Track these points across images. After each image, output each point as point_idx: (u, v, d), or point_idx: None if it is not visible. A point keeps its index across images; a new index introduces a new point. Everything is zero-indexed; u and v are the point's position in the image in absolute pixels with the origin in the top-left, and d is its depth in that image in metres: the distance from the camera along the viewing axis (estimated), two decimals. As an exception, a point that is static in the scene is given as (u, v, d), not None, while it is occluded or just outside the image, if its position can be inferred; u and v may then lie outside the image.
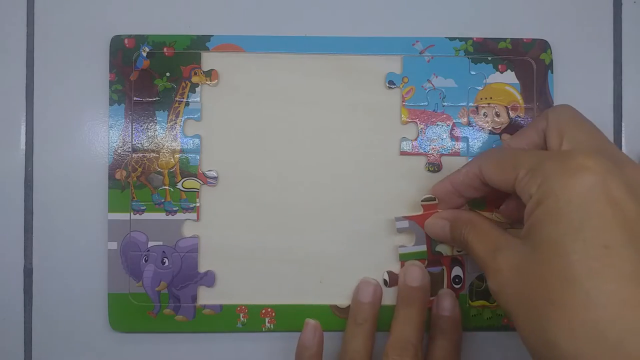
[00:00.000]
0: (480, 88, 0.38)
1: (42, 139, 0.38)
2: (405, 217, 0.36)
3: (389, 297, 0.37)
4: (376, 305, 0.36)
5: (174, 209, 0.37)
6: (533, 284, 0.26)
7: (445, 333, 0.35)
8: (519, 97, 0.38)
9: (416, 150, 0.38)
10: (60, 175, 0.38)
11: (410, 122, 0.38)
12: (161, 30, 0.37)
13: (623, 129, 0.39)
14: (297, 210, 0.37)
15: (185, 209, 0.37)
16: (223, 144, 0.37)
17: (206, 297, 0.37)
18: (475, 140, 0.37)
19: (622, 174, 0.26)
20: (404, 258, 0.37)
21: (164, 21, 0.38)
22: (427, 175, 0.37)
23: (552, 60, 0.38)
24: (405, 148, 0.37)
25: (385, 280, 0.37)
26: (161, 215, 0.37)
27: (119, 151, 0.37)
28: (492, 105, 0.38)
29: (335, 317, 0.37)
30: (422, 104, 0.38)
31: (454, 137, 0.37)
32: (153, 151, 0.37)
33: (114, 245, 0.37)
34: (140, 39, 0.37)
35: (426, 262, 0.37)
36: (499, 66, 0.38)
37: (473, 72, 0.38)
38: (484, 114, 0.38)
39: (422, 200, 0.35)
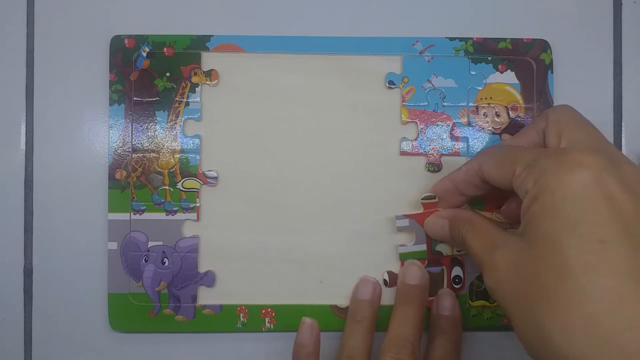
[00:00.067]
0: (480, 88, 0.38)
1: (42, 139, 0.38)
2: (406, 215, 0.36)
3: (389, 297, 0.37)
4: (375, 304, 0.36)
5: (174, 209, 0.37)
6: (529, 280, 0.26)
7: (446, 333, 0.35)
8: (519, 97, 0.38)
9: (416, 150, 0.38)
10: (60, 175, 0.38)
11: (410, 122, 0.38)
12: (161, 30, 0.37)
13: (623, 129, 0.39)
14: (297, 210, 0.37)
15: (185, 209, 0.37)
16: (223, 144, 0.37)
17: (206, 297, 0.37)
18: (475, 140, 0.37)
19: (618, 171, 0.26)
20: (404, 257, 0.37)
21: (164, 21, 0.38)
22: (427, 175, 0.37)
23: (552, 60, 0.38)
24: (405, 148, 0.37)
25: (385, 280, 0.37)
26: (161, 215, 0.37)
27: (119, 151, 0.37)
28: (492, 105, 0.38)
29: (335, 317, 0.37)
30: (422, 104, 0.38)
31: (454, 137, 0.37)
32: (153, 151, 0.37)
33: (114, 245, 0.37)
34: (140, 39, 0.37)
35: (426, 261, 0.37)
36: (499, 66, 0.38)
37: (473, 72, 0.38)
38: (484, 114, 0.38)
39: (422, 199, 0.35)
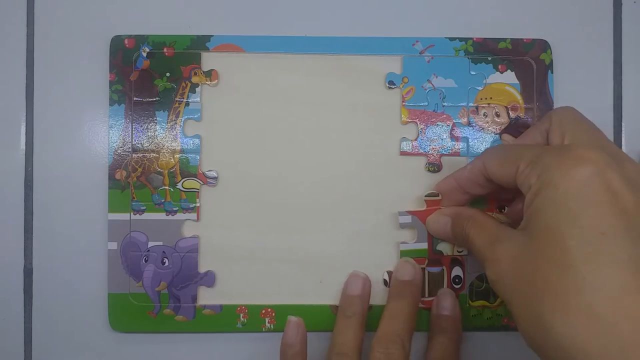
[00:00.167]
0: (480, 88, 0.38)
1: (42, 139, 0.38)
2: (409, 212, 0.36)
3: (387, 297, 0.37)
4: (365, 299, 0.36)
5: (174, 209, 0.37)
6: (530, 271, 0.26)
7: (446, 332, 0.35)
8: (519, 97, 0.38)
9: (416, 150, 0.38)
10: (60, 175, 0.38)
11: (410, 122, 0.38)
12: (161, 30, 0.37)
13: (623, 129, 0.39)
14: (297, 210, 0.37)
15: (185, 209, 0.37)
16: (223, 144, 0.37)
17: (206, 297, 0.37)
18: (475, 141, 0.37)
19: (620, 167, 0.26)
20: (405, 255, 0.37)
21: (164, 21, 0.38)
22: (427, 176, 0.37)
23: (552, 60, 0.38)
24: (405, 148, 0.37)
25: (385, 280, 0.37)
26: (161, 216, 0.37)
27: (119, 151, 0.37)
28: (492, 105, 0.38)
29: (335, 317, 0.37)
30: (422, 104, 0.38)
31: (454, 137, 0.37)
32: (153, 151, 0.37)
33: (114, 245, 0.37)
34: (140, 39, 0.37)
35: (426, 260, 0.37)
36: (499, 66, 0.38)
37: (473, 72, 0.38)
38: (484, 114, 0.38)
39: (425, 196, 0.36)
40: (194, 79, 0.37)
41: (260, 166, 0.37)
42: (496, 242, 0.29)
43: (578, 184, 0.26)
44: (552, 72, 0.38)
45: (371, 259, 0.37)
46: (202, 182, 0.37)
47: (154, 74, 0.37)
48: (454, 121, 0.38)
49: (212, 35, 0.37)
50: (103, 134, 0.38)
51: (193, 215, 0.37)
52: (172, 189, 0.37)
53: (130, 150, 0.37)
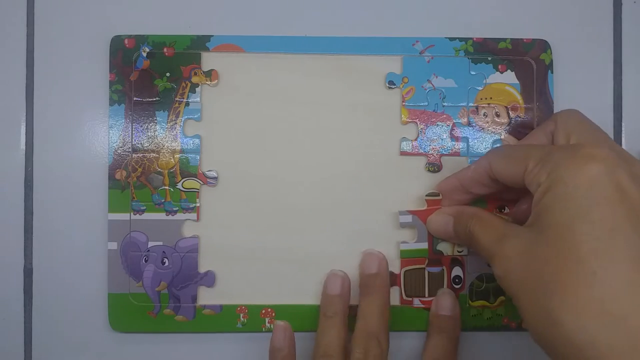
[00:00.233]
0: (480, 88, 0.38)
1: (42, 139, 0.38)
2: (409, 211, 0.36)
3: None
4: (345, 297, 0.36)
5: (174, 209, 0.37)
6: (539, 266, 0.26)
7: (445, 332, 0.35)
8: (519, 97, 0.38)
9: (416, 150, 0.38)
10: (60, 175, 0.38)
11: (410, 122, 0.38)
12: (161, 30, 0.37)
13: (623, 129, 0.39)
14: (297, 210, 0.37)
15: (185, 209, 0.37)
16: (223, 144, 0.37)
17: (206, 297, 0.37)
18: (475, 141, 0.37)
19: (629, 165, 0.27)
20: (405, 255, 0.37)
21: (164, 21, 0.38)
22: (427, 176, 0.37)
23: (552, 61, 0.38)
24: (405, 148, 0.37)
25: (385, 280, 0.37)
26: (161, 216, 0.37)
27: (119, 151, 0.37)
28: (492, 105, 0.38)
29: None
30: (422, 104, 0.38)
31: (454, 137, 0.37)
32: (153, 151, 0.37)
33: (114, 245, 0.37)
34: (140, 39, 0.37)
35: (427, 260, 0.37)
36: (499, 66, 0.38)
37: (473, 72, 0.38)
38: (484, 114, 0.38)
39: (426, 195, 0.36)
40: (194, 79, 0.37)
41: (261, 166, 0.37)
42: (503, 239, 0.29)
43: (588, 181, 0.26)
44: (552, 72, 0.38)
45: (371, 259, 0.37)
46: (202, 182, 0.37)
47: (154, 74, 0.37)
48: (454, 121, 0.38)
49: (212, 35, 0.37)
50: (103, 134, 0.38)
51: (193, 215, 0.37)
52: (172, 189, 0.37)
53: (130, 150, 0.37)
